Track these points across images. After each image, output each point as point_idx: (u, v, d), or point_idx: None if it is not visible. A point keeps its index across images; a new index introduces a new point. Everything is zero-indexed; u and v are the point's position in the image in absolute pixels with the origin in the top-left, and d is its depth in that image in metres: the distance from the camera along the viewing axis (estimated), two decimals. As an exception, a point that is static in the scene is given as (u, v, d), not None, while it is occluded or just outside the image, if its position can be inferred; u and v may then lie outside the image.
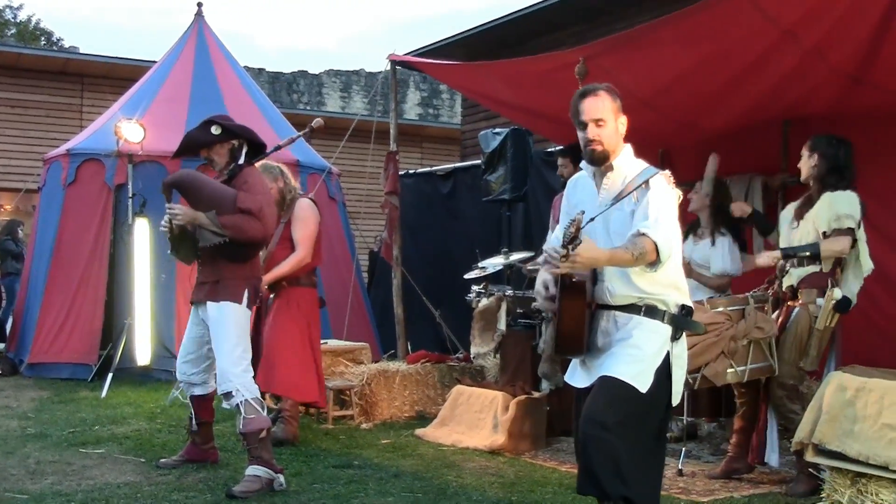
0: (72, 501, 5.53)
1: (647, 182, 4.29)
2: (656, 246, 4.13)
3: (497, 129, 10.62)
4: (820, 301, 6.03)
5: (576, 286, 4.26)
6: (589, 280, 4.35)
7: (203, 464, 6.51)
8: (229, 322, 6.00)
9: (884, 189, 7.06)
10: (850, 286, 6.11)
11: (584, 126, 4.42)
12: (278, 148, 6.73)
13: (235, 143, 6.21)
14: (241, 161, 6.19)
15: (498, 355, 8.81)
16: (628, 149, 4.49)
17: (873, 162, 7.05)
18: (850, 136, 7.06)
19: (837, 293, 5.97)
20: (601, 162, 4.44)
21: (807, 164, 6.18)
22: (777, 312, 6.30)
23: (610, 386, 4.21)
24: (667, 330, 4.34)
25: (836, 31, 6.01)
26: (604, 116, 4.38)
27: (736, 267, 7.01)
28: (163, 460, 6.56)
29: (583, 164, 4.61)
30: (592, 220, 4.27)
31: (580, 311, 4.32)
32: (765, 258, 6.32)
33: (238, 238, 5.93)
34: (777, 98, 6.93)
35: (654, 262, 4.18)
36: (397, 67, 10.13)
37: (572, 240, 3.96)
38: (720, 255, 7.05)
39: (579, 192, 4.62)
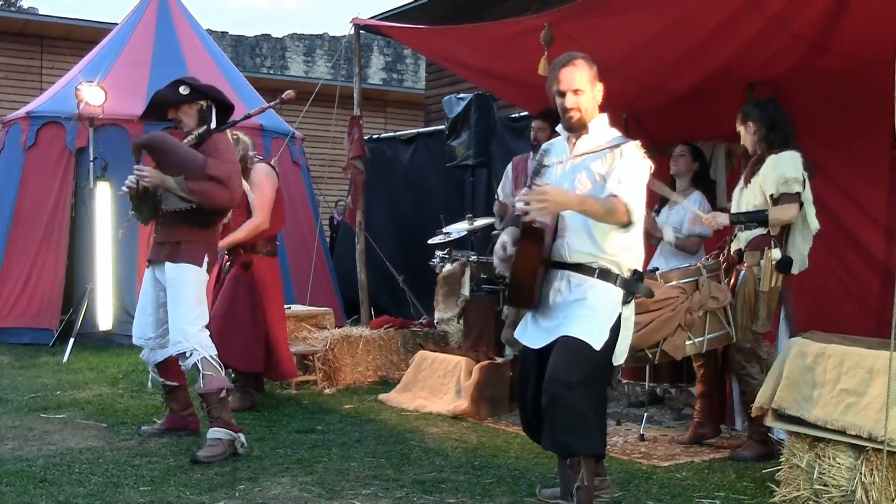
0: (33, 466, 5.50)
1: (619, 148, 4.45)
2: (627, 208, 4.31)
3: (461, 95, 10.60)
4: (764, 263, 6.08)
5: (535, 232, 4.40)
6: (549, 232, 4.49)
7: (186, 432, 6.45)
8: (189, 283, 5.95)
9: (853, 151, 7.09)
10: (799, 248, 6.13)
11: (562, 95, 4.57)
12: (248, 117, 6.66)
13: (204, 104, 6.13)
14: (213, 125, 6.11)
15: (461, 321, 8.82)
16: (604, 117, 4.66)
17: (837, 125, 7.08)
18: (813, 99, 7.12)
19: (776, 254, 5.99)
20: (579, 129, 4.60)
21: (748, 135, 6.23)
22: (728, 277, 6.35)
23: (570, 345, 4.39)
24: (619, 293, 4.52)
25: (799, -1, 6.03)
26: (581, 86, 4.54)
27: (705, 228, 7.06)
28: (144, 427, 6.52)
29: (560, 128, 4.75)
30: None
31: (535, 260, 4.46)
32: (717, 219, 6.35)
33: (204, 205, 5.87)
34: (741, 63, 6.94)
35: (627, 224, 4.37)
36: (361, 31, 10.05)
37: (537, 172, 4.13)
38: (688, 213, 7.16)
39: (552, 156, 4.72)
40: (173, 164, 5.86)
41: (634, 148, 4.49)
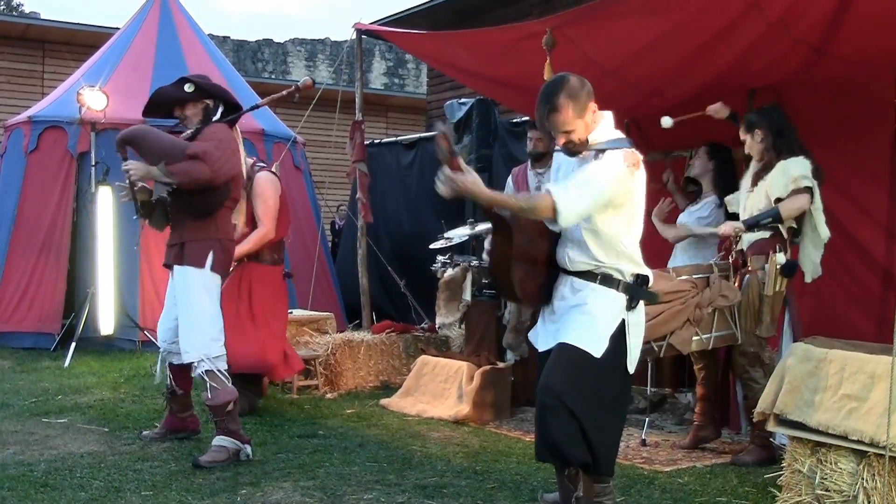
0: (34, 471, 5.50)
1: (603, 151, 4.34)
2: (554, 206, 4.18)
3: (463, 100, 10.63)
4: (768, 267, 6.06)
5: (500, 220, 4.41)
6: (547, 239, 4.49)
7: (186, 433, 6.45)
8: (193, 288, 5.88)
9: (854, 155, 7.09)
10: (811, 255, 6.15)
11: (553, 134, 4.47)
12: (256, 107, 6.61)
13: (210, 103, 6.08)
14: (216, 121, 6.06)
15: (463, 325, 8.82)
16: (608, 118, 4.51)
17: (838, 127, 7.08)
18: (813, 102, 7.12)
19: (781, 258, 5.99)
20: (579, 153, 4.46)
21: (755, 144, 6.24)
22: (734, 280, 6.35)
23: (565, 353, 4.31)
24: (621, 298, 4.42)
25: (800, 3, 6.03)
26: (569, 127, 4.37)
27: (696, 223, 7.03)
28: (145, 432, 6.50)
29: None
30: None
31: (506, 247, 4.42)
32: (727, 228, 6.34)
33: (185, 182, 5.73)
34: (742, 68, 6.94)
35: (551, 220, 4.28)
36: (363, 36, 10.06)
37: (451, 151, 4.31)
38: (695, 209, 7.12)
39: (562, 158, 4.66)
40: (154, 152, 5.77)
41: (619, 156, 4.31)
